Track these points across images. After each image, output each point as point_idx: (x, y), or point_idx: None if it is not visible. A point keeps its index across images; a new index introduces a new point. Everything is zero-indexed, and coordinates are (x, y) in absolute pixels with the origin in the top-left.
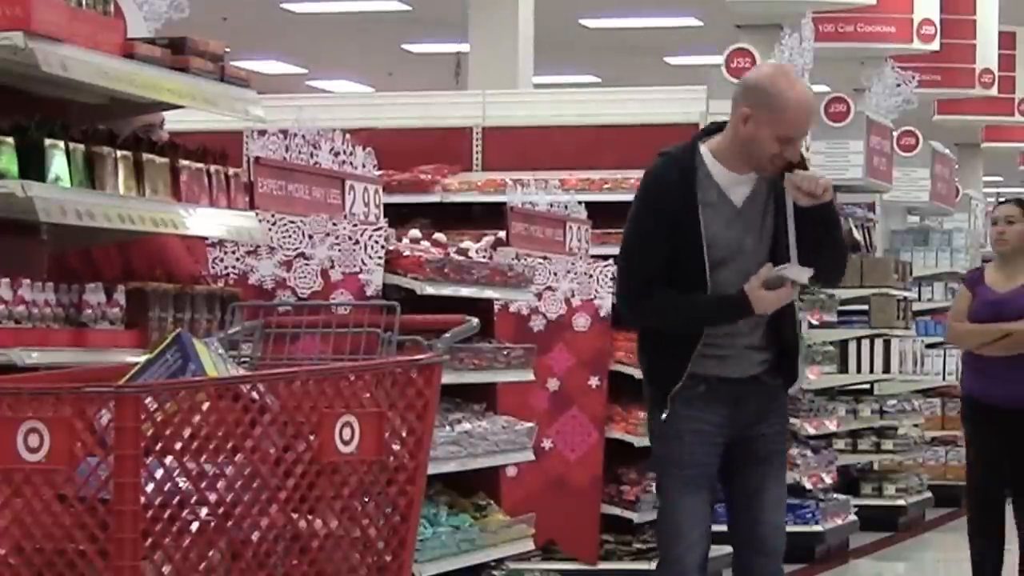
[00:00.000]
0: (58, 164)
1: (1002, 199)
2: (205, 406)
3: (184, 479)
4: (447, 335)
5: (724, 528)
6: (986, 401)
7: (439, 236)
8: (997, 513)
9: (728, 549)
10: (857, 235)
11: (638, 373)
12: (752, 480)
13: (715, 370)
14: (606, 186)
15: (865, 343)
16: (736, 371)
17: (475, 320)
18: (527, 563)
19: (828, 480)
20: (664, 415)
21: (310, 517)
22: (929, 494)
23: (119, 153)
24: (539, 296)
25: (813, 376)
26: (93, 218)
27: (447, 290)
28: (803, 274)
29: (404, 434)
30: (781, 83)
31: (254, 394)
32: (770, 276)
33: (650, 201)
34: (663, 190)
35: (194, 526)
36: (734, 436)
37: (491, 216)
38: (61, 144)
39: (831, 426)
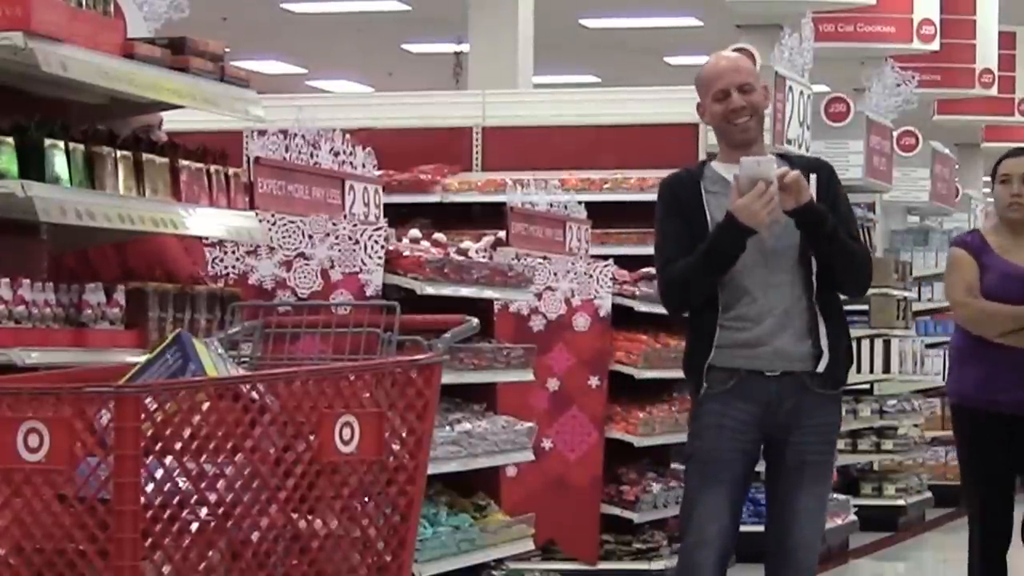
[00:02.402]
0: (58, 164)
1: (1012, 151)
2: (205, 406)
3: (184, 479)
4: (447, 335)
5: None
6: (995, 409)
7: (439, 236)
8: (1004, 552)
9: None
10: None
11: (638, 373)
12: (781, 489)
13: (745, 362)
14: (606, 186)
15: (865, 343)
16: (768, 364)
17: (475, 320)
18: (527, 563)
19: None
20: (698, 396)
21: (310, 517)
22: (929, 494)
23: (119, 153)
24: (539, 296)
25: None
26: (93, 218)
27: (447, 290)
28: (766, 167)
29: (404, 434)
30: (702, 65)
31: (254, 394)
32: (740, 183)
33: (664, 200)
34: (674, 186)
35: (194, 526)
36: (767, 438)
37: (491, 216)
38: (61, 144)
39: None
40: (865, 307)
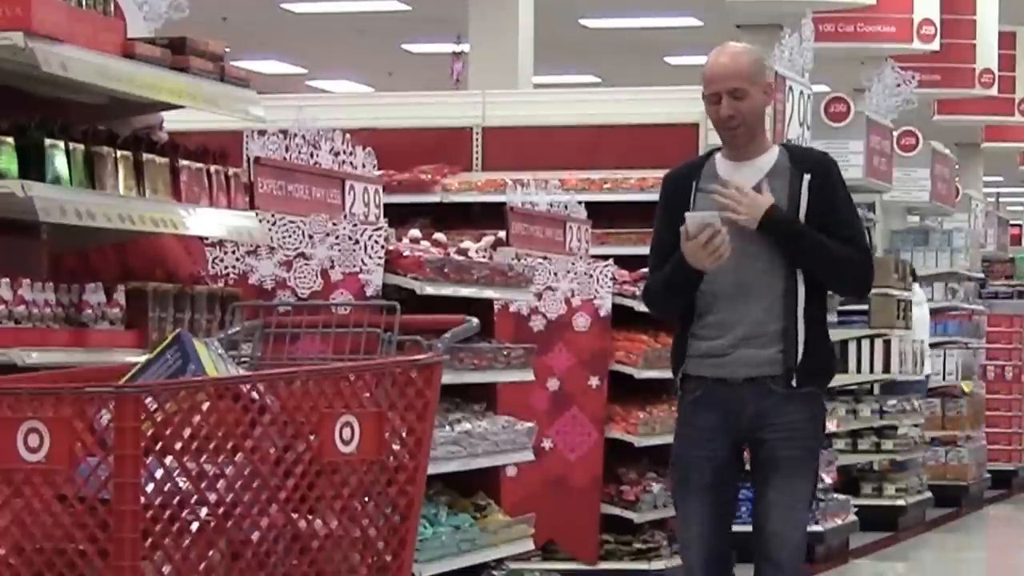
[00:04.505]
0: (58, 164)
1: None
2: (205, 406)
3: (184, 479)
4: (447, 335)
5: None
6: None
7: (439, 236)
8: None
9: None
10: None
11: (638, 373)
12: (758, 487)
13: (711, 371)
14: (606, 186)
15: (865, 343)
16: (731, 372)
17: (475, 320)
18: (527, 563)
19: (828, 480)
20: (678, 401)
21: (310, 517)
22: (929, 494)
23: (119, 153)
24: (539, 296)
25: None
26: (93, 218)
27: (447, 290)
28: (711, 217)
29: (404, 434)
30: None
31: (254, 394)
32: (689, 227)
33: (660, 199)
34: (669, 183)
35: (194, 526)
36: (742, 440)
37: (491, 216)
38: (61, 144)
39: (831, 426)
40: (865, 307)
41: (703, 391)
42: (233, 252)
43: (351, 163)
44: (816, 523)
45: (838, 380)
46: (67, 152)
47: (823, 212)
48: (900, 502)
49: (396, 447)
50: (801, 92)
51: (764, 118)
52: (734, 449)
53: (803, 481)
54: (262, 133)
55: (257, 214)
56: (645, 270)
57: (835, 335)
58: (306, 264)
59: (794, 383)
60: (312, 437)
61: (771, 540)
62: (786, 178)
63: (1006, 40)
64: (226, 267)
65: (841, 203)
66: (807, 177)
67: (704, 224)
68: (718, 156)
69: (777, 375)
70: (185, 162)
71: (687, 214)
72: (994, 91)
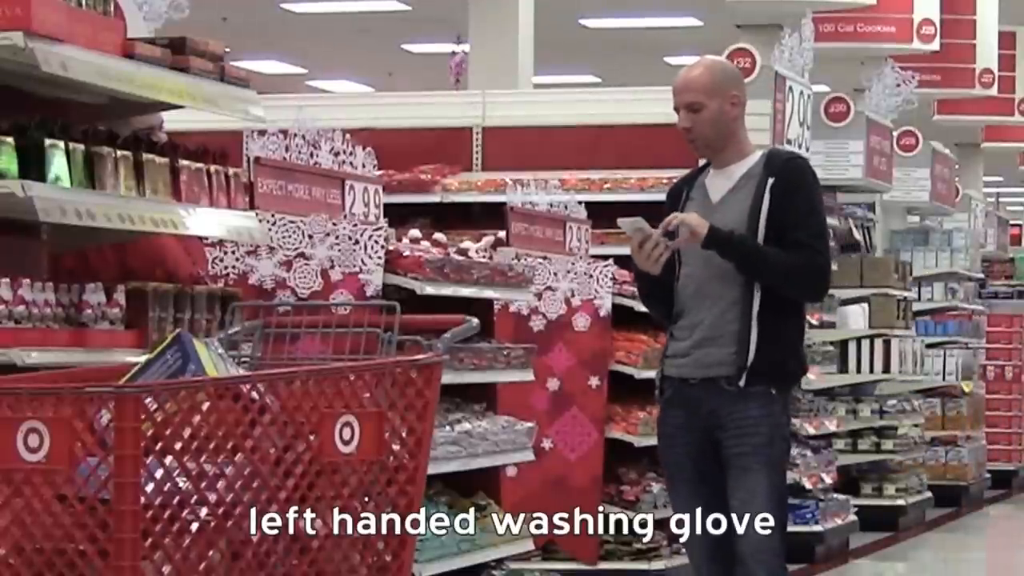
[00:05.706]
0: (58, 164)
1: None
2: (205, 406)
3: (184, 479)
4: (447, 335)
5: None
6: None
7: (439, 236)
8: None
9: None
10: (857, 235)
11: (638, 373)
12: (726, 487)
13: (676, 371)
14: (606, 186)
15: (865, 343)
16: (690, 372)
17: (475, 320)
18: (527, 563)
19: (828, 480)
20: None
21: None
22: (929, 494)
23: (119, 153)
24: (539, 296)
25: (812, 376)
26: (93, 218)
27: (447, 290)
28: (640, 223)
29: (404, 434)
30: None
31: (254, 394)
32: (623, 229)
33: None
34: (669, 195)
35: (194, 526)
36: (709, 440)
37: (491, 216)
38: (61, 144)
39: (831, 426)
40: (865, 307)
41: (673, 390)
42: (233, 252)
43: (351, 163)
44: (816, 523)
45: (838, 380)
46: (67, 152)
47: (781, 215)
48: (900, 502)
49: (396, 447)
50: (801, 92)
51: (734, 127)
52: (707, 444)
53: (757, 478)
54: (262, 133)
55: (257, 214)
56: None
57: (835, 335)
58: (306, 264)
59: (742, 383)
60: (312, 437)
61: (741, 540)
62: (754, 183)
63: (1006, 40)
64: (226, 267)
65: (799, 205)
66: (770, 181)
67: (634, 228)
68: (711, 167)
69: (730, 375)
70: (185, 162)
71: (619, 219)
72: (994, 91)
